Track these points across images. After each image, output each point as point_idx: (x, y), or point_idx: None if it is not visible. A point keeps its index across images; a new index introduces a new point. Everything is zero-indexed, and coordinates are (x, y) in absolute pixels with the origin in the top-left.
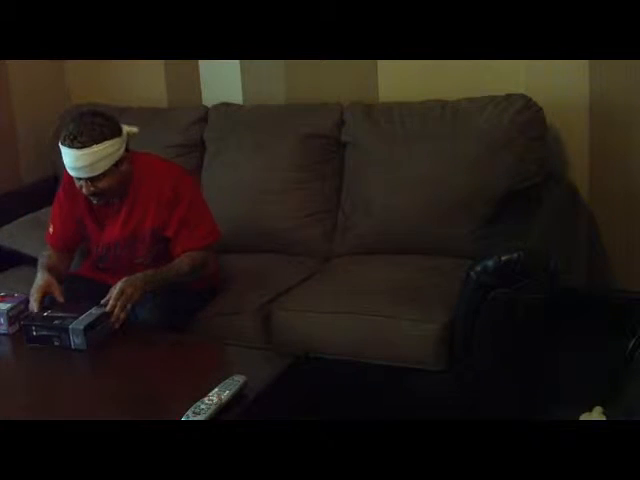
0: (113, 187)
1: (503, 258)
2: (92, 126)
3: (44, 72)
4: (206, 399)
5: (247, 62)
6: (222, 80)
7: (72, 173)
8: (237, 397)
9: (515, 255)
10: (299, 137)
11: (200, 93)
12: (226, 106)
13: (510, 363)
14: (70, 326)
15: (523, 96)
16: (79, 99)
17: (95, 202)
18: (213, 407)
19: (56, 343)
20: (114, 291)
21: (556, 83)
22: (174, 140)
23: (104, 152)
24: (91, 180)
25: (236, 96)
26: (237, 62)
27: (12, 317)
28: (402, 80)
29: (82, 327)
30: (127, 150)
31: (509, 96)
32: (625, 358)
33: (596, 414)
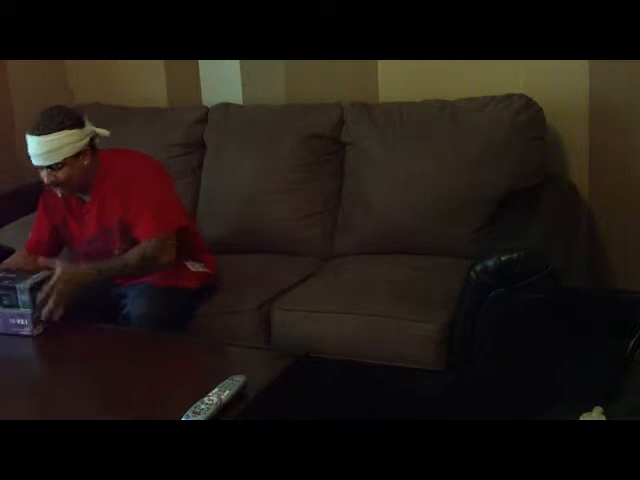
0: (73, 179)
1: (503, 258)
2: (53, 116)
3: (45, 72)
4: (206, 399)
5: (247, 62)
6: (222, 80)
7: (34, 161)
8: (237, 397)
9: (515, 255)
10: (299, 137)
11: (200, 93)
12: (226, 106)
13: (510, 363)
14: (17, 285)
15: (523, 96)
16: (80, 99)
17: (60, 194)
18: (213, 407)
19: (5, 302)
20: (49, 283)
21: (556, 83)
22: (174, 140)
23: (63, 141)
24: (51, 169)
25: (236, 96)
26: (237, 62)
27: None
28: (402, 80)
29: (28, 286)
30: (93, 148)
31: (509, 96)
32: (625, 358)
33: (596, 414)
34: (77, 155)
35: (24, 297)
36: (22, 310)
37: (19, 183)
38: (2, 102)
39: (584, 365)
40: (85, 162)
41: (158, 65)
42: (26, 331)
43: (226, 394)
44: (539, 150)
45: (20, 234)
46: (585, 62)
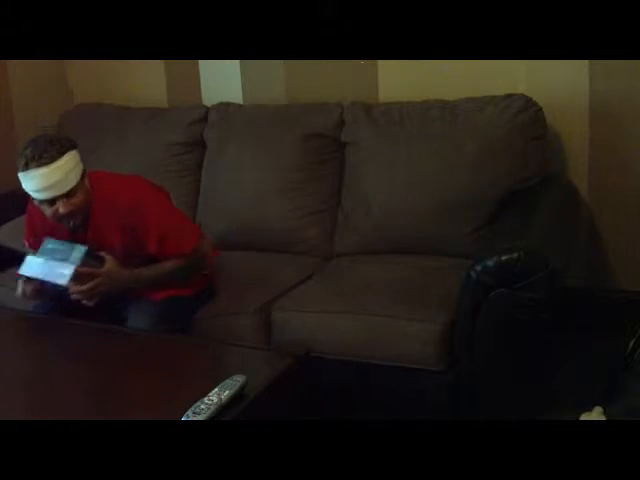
0: (87, 202)
1: (503, 258)
2: (51, 143)
3: (45, 72)
4: (206, 399)
5: (247, 62)
6: (222, 80)
7: (43, 195)
8: (237, 397)
9: (515, 255)
10: (299, 137)
11: (200, 93)
12: (226, 106)
13: (510, 363)
14: (77, 244)
15: (523, 96)
16: (80, 99)
17: (69, 224)
18: (213, 407)
19: (58, 256)
20: (95, 280)
21: (556, 83)
22: (174, 139)
23: (72, 162)
24: (67, 197)
25: (236, 96)
26: (237, 62)
27: None
28: (402, 80)
29: (86, 248)
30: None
31: (509, 96)
32: (625, 358)
33: (596, 414)
34: (83, 176)
35: (78, 255)
36: (69, 263)
37: (19, 183)
38: (2, 102)
39: (584, 365)
40: (86, 183)
41: (158, 65)
42: (63, 281)
43: (226, 394)
44: (539, 150)
45: (20, 232)
46: (585, 62)
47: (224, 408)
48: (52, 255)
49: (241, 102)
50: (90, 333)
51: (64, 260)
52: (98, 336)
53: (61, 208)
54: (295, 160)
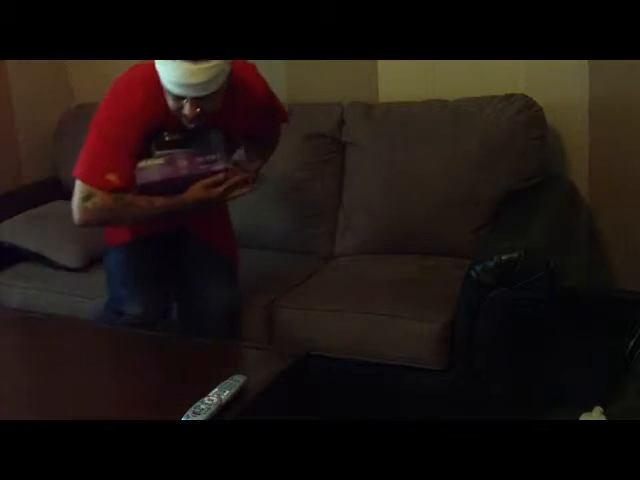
0: (219, 107)
1: (503, 258)
2: None
3: (45, 72)
4: (206, 399)
5: None
6: None
7: (180, 90)
8: (237, 397)
9: (515, 255)
10: (299, 137)
11: None
12: None
13: (510, 363)
14: (211, 129)
15: (523, 96)
16: (81, 99)
17: (191, 125)
18: (213, 407)
19: (194, 144)
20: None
21: (556, 83)
22: None
23: (224, 66)
24: (201, 99)
25: None
26: None
27: None
28: (402, 80)
29: (222, 133)
30: None
31: (509, 96)
32: (625, 358)
33: (596, 414)
34: (225, 82)
35: (217, 140)
36: (212, 149)
37: (18, 184)
38: (2, 102)
39: (584, 365)
40: (225, 86)
41: None
42: (219, 166)
43: (226, 394)
44: (539, 150)
45: (20, 230)
46: (585, 62)
47: (224, 408)
48: (179, 148)
49: None
50: (90, 333)
51: (202, 148)
52: (98, 336)
53: (188, 110)
54: (295, 160)
